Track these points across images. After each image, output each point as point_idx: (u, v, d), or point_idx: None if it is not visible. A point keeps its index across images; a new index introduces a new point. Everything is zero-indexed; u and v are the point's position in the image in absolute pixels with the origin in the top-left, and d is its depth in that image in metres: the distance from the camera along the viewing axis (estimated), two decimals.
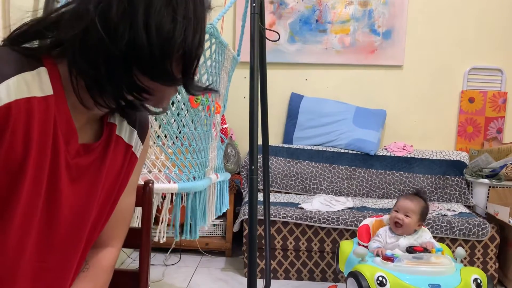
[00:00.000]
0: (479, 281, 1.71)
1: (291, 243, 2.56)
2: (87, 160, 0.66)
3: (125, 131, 0.74)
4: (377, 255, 1.85)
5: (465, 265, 1.91)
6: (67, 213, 0.64)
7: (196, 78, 0.65)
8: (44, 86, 0.58)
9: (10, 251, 0.58)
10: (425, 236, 1.97)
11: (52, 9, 0.60)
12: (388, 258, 1.80)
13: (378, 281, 1.68)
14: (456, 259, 1.90)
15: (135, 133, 0.76)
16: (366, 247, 1.98)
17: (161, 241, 1.37)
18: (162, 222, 1.36)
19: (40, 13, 0.63)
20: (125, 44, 0.56)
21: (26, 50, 0.59)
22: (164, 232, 1.37)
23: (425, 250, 1.85)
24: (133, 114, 0.75)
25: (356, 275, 1.75)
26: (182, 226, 1.46)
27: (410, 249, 1.86)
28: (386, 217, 2.13)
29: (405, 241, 1.94)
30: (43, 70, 0.58)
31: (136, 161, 0.78)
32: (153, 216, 1.31)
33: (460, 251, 1.91)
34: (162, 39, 0.57)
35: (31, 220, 0.59)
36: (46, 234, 0.63)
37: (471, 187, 2.97)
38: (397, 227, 1.95)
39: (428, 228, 2.42)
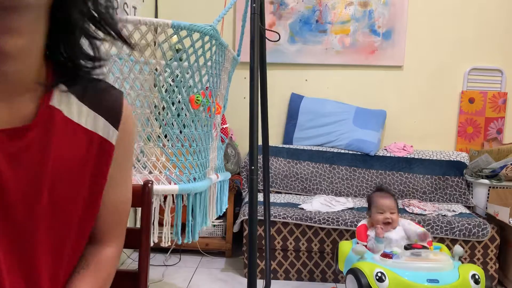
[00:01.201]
0: (477, 277, 1.72)
1: (291, 243, 2.57)
2: (18, 145, 0.59)
3: (85, 117, 0.66)
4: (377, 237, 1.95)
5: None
6: (12, 200, 0.58)
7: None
8: None
9: None
10: (409, 227, 2.05)
11: None
12: (387, 255, 1.81)
13: (377, 277, 1.69)
14: (454, 257, 1.91)
15: (100, 118, 0.67)
16: (365, 246, 2.01)
17: (166, 245, 1.37)
18: (166, 225, 1.36)
19: None
20: None
21: None
22: (168, 235, 1.37)
23: (423, 247, 1.87)
24: (94, 97, 0.67)
25: (355, 272, 1.76)
26: (183, 226, 1.46)
27: (409, 246, 1.88)
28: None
29: (394, 234, 2.00)
30: None
31: (112, 149, 0.69)
32: (154, 217, 1.31)
33: (458, 249, 1.92)
34: None
35: None
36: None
37: (471, 187, 2.97)
38: (387, 226, 2.04)
39: (428, 229, 2.43)
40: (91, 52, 0.64)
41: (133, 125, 0.74)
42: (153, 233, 1.29)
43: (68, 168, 0.64)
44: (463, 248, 2.47)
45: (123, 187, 0.77)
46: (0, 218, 0.58)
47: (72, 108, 0.64)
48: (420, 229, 2.01)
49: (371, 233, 2.06)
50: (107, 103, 0.68)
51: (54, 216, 0.64)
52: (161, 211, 1.37)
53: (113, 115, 0.69)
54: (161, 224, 1.33)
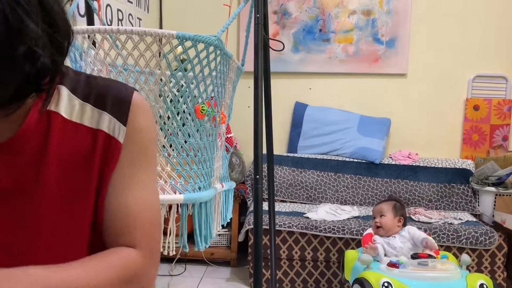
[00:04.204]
0: (485, 286, 1.70)
1: (296, 252, 2.55)
2: (13, 156, 0.60)
3: (88, 116, 0.65)
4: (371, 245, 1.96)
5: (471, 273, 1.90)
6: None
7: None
8: None
9: None
10: (413, 232, 2.03)
11: None
12: (393, 265, 1.80)
13: (384, 287, 1.68)
14: (461, 266, 1.89)
15: (105, 114, 0.65)
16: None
17: (171, 254, 1.37)
18: (170, 234, 1.36)
19: None
20: None
21: None
22: (173, 244, 1.37)
23: (430, 256, 1.85)
24: (98, 96, 0.66)
25: (361, 282, 1.75)
26: (189, 236, 1.46)
27: (415, 255, 1.86)
28: None
29: (397, 241, 2.00)
30: None
31: (118, 146, 0.66)
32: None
33: (465, 258, 1.91)
34: None
35: None
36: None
37: (478, 195, 2.95)
38: (378, 229, 2.07)
39: (435, 237, 2.41)
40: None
41: (148, 121, 0.70)
42: None
43: (73, 165, 0.64)
44: (470, 256, 2.45)
45: (139, 189, 0.69)
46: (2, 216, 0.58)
47: (74, 109, 0.65)
48: (422, 235, 1.99)
49: (376, 238, 2.06)
50: (113, 99, 0.66)
51: (63, 207, 0.64)
52: (165, 221, 1.37)
53: (120, 110, 0.66)
54: (165, 233, 1.33)
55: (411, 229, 2.05)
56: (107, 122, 0.65)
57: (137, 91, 0.70)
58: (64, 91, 0.65)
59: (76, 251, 0.65)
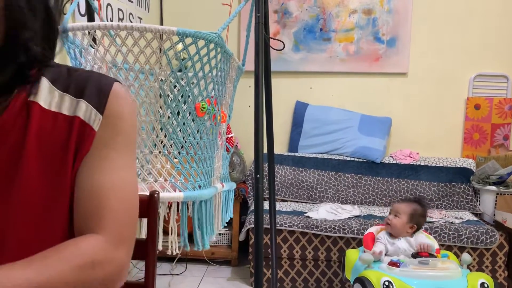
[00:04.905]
0: (486, 285, 1.70)
1: (297, 252, 2.55)
2: None
3: (67, 105, 0.66)
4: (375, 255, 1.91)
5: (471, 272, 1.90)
6: None
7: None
8: None
9: None
10: (420, 240, 1.99)
11: None
12: (394, 264, 1.80)
13: (385, 286, 1.68)
14: (462, 265, 1.88)
15: (83, 102, 0.66)
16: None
17: (174, 253, 1.36)
18: (171, 233, 1.35)
19: None
20: None
21: None
22: (175, 243, 1.37)
23: (431, 255, 1.84)
24: (77, 86, 0.68)
25: (362, 281, 1.75)
26: (190, 235, 1.46)
27: (416, 254, 1.86)
28: None
29: (403, 244, 1.96)
30: None
31: (92, 133, 0.66)
32: (159, 226, 1.31)
33: (466, 257, 1.90)
34: None
35: None
36: None
37: (479, 194, 2.95)
38: (387, 227, 2.03)
39: (435, 236, 2.41)
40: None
41: (127, 109, 0.70)
42: (158, 241, 1.29)
43: (51, 153, 0.64)
44: (471, 255, 2.44)
45: (110, 172, 0.67)
46: None
47: (53, 100, 0.66)
48: (426, 241, 1.96)
49: (381, 235, 2.03)
50: (91, 89, 0.67)
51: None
52: (166, 220, 1.37)
53: (98, 99, 0.67)
54: (165, 232, 1.33)
55: (419, 237, 1.99)
56: (83, 110, 0.66)
57: (120, 82, 0.71)
58: (45, 82, 0.66)
59: (54, 239, 0.64)
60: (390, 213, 2.05)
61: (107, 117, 0.67)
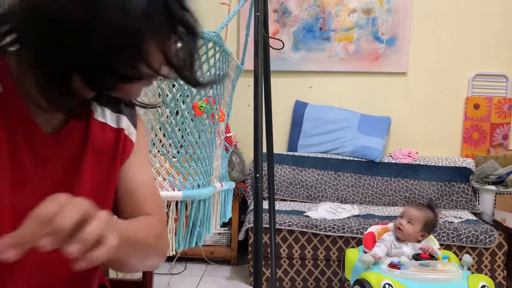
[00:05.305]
0: None
1: (296, 251, 2.55)
2: (61, 145, 0.68)
3: (110, 118, 0.76)
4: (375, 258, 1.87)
5: (472, 273, 1.89)
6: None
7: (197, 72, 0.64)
8: None
9: None
10: (428, 243, 1.95)
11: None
12: (394, 266, 1.79)
13: None
14: (463, 267, 1.88)
15: (123, 117, 0.77)
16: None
17: (172, 253, 1.36)
18: (170, 232, 1.35)
19: None
20: (77, 46, 0.53)
21: None
22: (173, 243, 1.36)
23: (432, 257, 1.84)
24: (115, 102, 0.77)
25: (362, 283, 1.74)
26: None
27: (417, 256, 1.85)
28: (391, 225, 2.12)
29: (409, 249, 1.93)
30: None
31: (132, 145, 0.79)
32: None
33: (467, 258, 1.89)
34: (124, 40, 0.54)
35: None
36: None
37: (478, 194, 2.95)
38: (398, 232, 1.96)
39: (435, 236, 2.40)
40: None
41: (143, 123, 0.85)
42: None
43: (102, 158, 0.73)
44: (470, 255, 2.44)
45: (145, 173, 0.82)
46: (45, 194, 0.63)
47: (97, 110, 0.74)
48: (432, 246, 1.94)
49: (386, 237, 1.99)
50: (125, 106, 0.78)
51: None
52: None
53: (131, 115, 0.79)
54: None
55: (427, 244, 1.96)
56: (126, 124, 0.77)
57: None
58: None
59: None
60: (402, 217, 1.96)
61: (137, 130, 0.80)
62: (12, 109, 0.62)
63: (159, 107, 1.15)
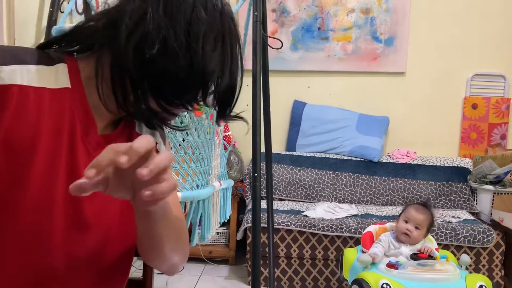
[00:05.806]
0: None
1: (295, 251, 2.55)
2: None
3: (146, 132, 0.79)
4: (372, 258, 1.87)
5: (470, 273, 1.90)
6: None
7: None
8: (60, 80, 0.65)
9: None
10: (427, 243, 1.96)
11: (88, 19, 0.69)
12: (392, 265, 1.79)
13: None
14: (461, 266, 1.89)
15: (157, 133, 0.82)
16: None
17: None
18: None
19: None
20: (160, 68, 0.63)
21: (52, 51, 0.68)
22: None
23: (430, 257, 1.84)
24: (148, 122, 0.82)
25: (360, 283, 1.75)
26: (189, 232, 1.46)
27: (415, 256, 1.85)
28: (389, 224, 2.12)
29: (407, 249, 1.93)
30: (62, 66, 0.66)
31: None
32: None
33: (465, 258, 1.90)
34: (206, 71, 0.66)
35: (49, 199, 0.63)
36: (72, 213, 0.66)
37: (476, 193, 2.95)
38: (405, 237, 1.93)
39: (433, 235, 2.41)
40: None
41: (168, 139, 0.91)
42: None
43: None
44: (468, 254, 2.45)
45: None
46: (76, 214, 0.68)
47: (140, 124, 0.80)
48: (430, 246, 1.94)
49: (384, 237, 1.99)
50: (158, 125, 0.83)
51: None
52: None
53: (161, 132, 0.84)
54: None
55: (426, 244, 1.96)
56: (158, 139, 0.83)
57: None
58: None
59: (133, 226, 0.76)
60: (407, 222, 1.94)
61: (165, 146, 0.86)
62: (76, 105, 0.66)
63: (188, 130, 1.28)
